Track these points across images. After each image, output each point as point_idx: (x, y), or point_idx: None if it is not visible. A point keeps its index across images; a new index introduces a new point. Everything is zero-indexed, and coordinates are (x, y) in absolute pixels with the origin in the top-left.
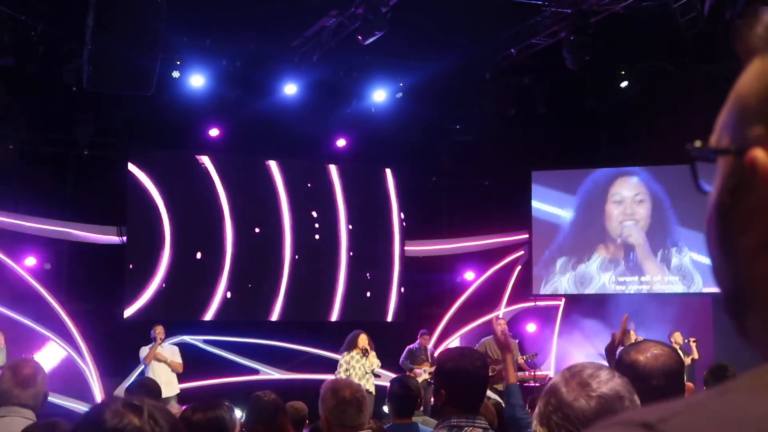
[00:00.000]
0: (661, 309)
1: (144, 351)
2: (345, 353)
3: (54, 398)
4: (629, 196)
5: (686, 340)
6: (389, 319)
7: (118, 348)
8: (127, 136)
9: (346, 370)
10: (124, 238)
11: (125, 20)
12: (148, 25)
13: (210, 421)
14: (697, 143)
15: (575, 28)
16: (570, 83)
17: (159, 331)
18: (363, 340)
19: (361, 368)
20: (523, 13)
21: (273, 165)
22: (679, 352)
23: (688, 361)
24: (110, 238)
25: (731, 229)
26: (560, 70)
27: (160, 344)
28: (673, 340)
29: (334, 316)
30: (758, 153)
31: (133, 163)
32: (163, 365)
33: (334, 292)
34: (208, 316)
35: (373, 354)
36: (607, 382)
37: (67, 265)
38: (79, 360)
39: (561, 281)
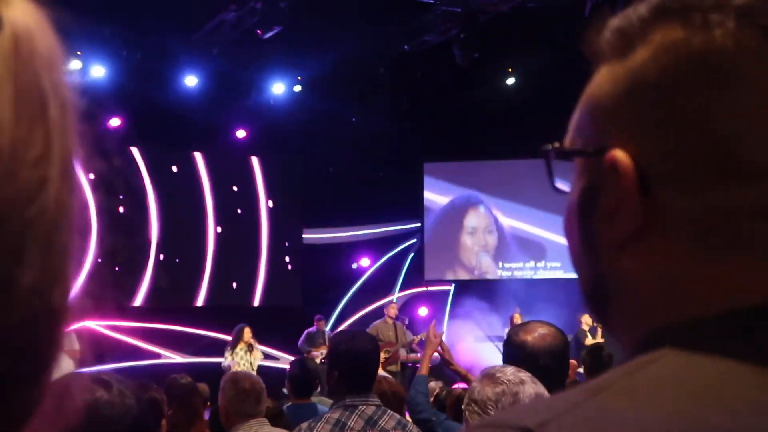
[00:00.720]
0: (550, 292)
1: None
2: (229, 349)
3: None
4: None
5: (594, 324)
6: (256, 304)
7: None
8: None
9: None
10: None
11: None
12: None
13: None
14: (555, 144)
15: (465, 27)
16: (460, 79)
17: None
18: (247, 333)
19: (245, 364)
20: (415, 11)
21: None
22: (587, 333)
23: (590, 341)
24: None
25: (592, 227)
26: (452, 66)
27: None
28: (583, 321)
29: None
30: (618, 153)
31: None
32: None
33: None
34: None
35: (257, 348)
36: (512, 373)
37: None
38: None
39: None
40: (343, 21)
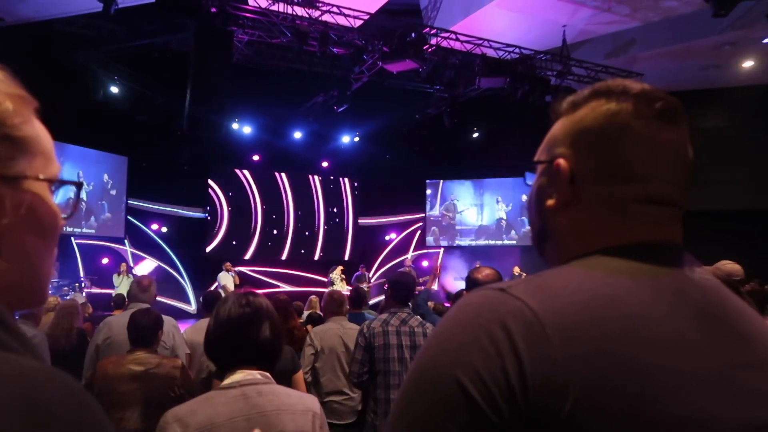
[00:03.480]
0: (507, 254)
1: (224, 278)
2: (332, 272)
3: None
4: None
5: (521, 273)
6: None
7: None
8: (209, 159)
9: (334, 282)
10: (207, 215)
11: (207, 90)
12: (221, 96)
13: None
14: (534, 159)
15: (449, 105)
16: (447, 134)
17: (228, 266)
18: (339, 269)
19: (340, 282)
20: (423, 95)
21: (283, 176)
22: (519, 275)
23: None
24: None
25: (542, 201)
26: (442, 127)
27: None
28: (515, 270)
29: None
30: (561, 161)
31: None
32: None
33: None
34: (248, 256)
35: (344, 280)
36: (485, 269)
37: (176, 228)
38: (177, 275)
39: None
40: (383, 102)
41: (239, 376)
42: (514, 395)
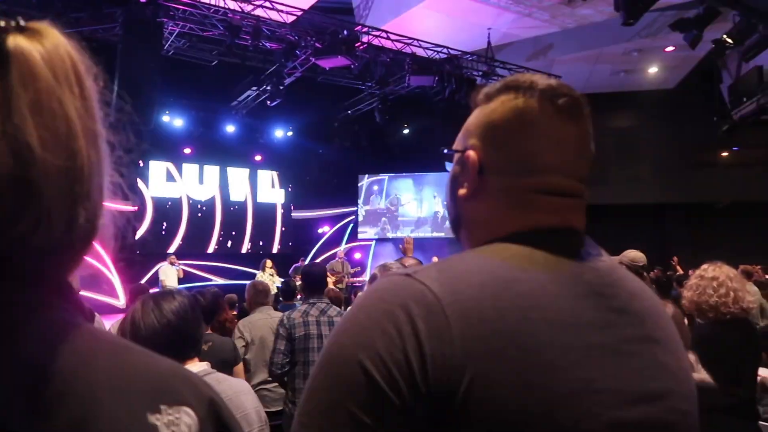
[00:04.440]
0: (441, 246)
1: (165, 272)
2: (260, 272)
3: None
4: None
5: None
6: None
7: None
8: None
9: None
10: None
11: (135, 82)
12: (150, 88)
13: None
14: (447, 149)
15: (381, 101)
16: (379, 129)
17: (173, 260)
18: (269, 263)
19: (269, 279)
20: (355, 92)
21: (214, 169)
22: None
23: None
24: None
25: (456, 188)
26: (374, 122)
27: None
28: (433, 260)
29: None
30: (471, 153)
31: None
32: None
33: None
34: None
35: (275, 273)
36: (397, 267)
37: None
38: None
39: (371, 231)
40: (316, 97)
41: (195, 369)
42: (413, 376)
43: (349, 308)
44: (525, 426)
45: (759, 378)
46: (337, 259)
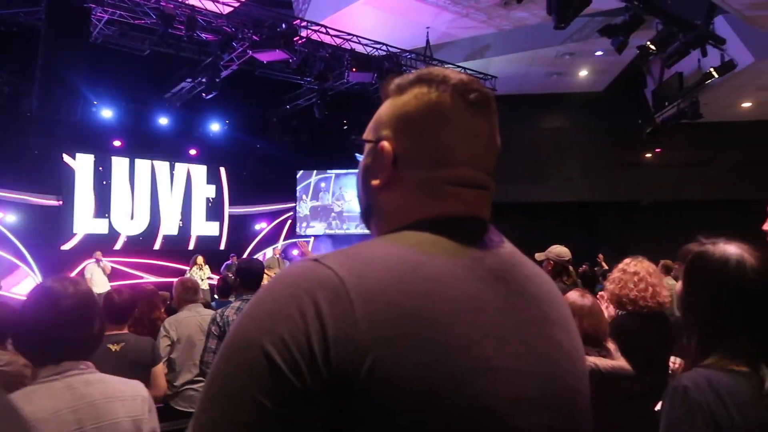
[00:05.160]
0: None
1: (90, 270)
2: (189, 268)
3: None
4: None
5: None
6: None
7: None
8: (63, 143)
9: (193, 273)
10: (60, 202)
11: (60, 69)
12: (76, 76)
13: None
14: (360, 137)
15: (320, 97)
16: (318, 124)
17: (99, 255)
18: (200, 259)
19: (198, 278)
20: (294, 87)
21: (147, 163)
22: None
23: None
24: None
25: (368, 179)
26: (313, 118)
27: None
28: None
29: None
30: (385, 144)
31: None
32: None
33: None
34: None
35: (206, 268)
36: None
37: (26, 217)
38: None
39: (319, 226)
40: (253, 91)
41: (62, 367)
42: (315, 359)
43: (256, 293)
44: (427, 404)
45: (671, 366)
46: (274, 256)
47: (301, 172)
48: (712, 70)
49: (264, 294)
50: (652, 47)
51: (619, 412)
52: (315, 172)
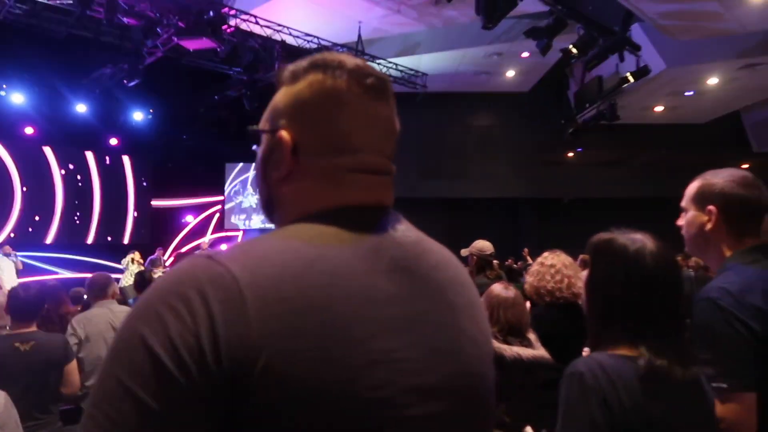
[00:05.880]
0: None
1: None
2: (126, 264)
3: None
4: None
5: None
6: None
7: None
8: None
9: (128, 267)
10: None
11: None
12: None
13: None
14: (254, 126)
15: (249, 88)
16: (248, 117)
17: (8, 249)
18: (136, 255)
19: (134, 267)
20: (224, 77)
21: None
22: None
23: None
24: None
25: (267, 170)
26: (243, 109)
27: None
28: None
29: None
30: (283, 133)
31: None
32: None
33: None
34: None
35: (139, 262)
36: None
37: None
38: None
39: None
40: (180, 80)
41: None
42: (205, 359)
43: (145, 291)
44: (324, 399)
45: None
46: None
47: (236, 165)
48: (628, 74)
49: (152, 292)
50: (574, 50)
51: (538, 398)
52: (242, 165)
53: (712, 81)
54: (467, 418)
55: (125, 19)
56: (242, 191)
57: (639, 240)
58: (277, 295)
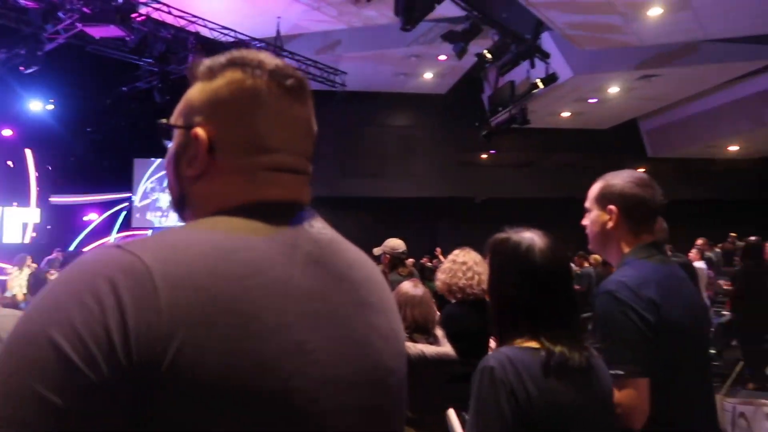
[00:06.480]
0: None
1: None
2: (17, 269)
3: None
4: None
5: None
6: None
7: None
8: None
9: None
10: None
11: None
12: None
13: None
14: (166, 121)
15: (161, 80)
16: (158, 110)
17: None
18: (29, 260)
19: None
20: (132, 67)
21: None
22: None
23: None
24: None
25: (181, 167)
26: (153, 102)
27: None
28: None
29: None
30: (198, 130)
31: None
32: None
33: None
34: None
35: (31, 267)
36: None
37: None
38: None
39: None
40: (84, 68)
41: None
42: (114, 350)
43: (48, 283)
44: (235, 389)
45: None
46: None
47: (147, 160)
48: (538, 80)
49: (55, 284)
50: (489, 55)
51: (446, 393)
52: (159, 161)
53: (613, 90)
54: (377, 412)
55: (23, 1)
56: (159, 188)
57: (528, 238)
58: (190, 284)
